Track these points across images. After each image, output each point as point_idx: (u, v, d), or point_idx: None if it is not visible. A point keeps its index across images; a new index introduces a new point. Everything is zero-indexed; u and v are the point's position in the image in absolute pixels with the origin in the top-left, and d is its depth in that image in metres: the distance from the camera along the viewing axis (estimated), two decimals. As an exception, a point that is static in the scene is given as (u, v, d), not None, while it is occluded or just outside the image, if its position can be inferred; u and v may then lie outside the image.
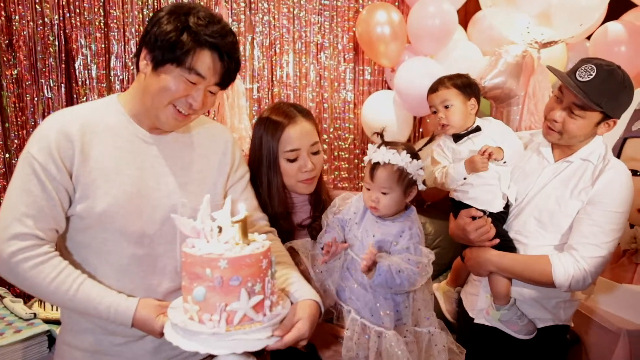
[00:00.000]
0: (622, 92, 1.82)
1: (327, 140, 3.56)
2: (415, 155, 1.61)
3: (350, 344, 1.59)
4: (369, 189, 1.63)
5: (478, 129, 2.05)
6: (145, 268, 1.51)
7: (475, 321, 2.07)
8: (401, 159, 1.58)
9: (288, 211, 1.89)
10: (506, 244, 1.97)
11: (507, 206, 2.02)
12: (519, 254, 1.96)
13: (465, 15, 3.49)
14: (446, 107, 2.05)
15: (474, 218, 1.97)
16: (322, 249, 1.66)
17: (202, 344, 1.22)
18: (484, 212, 1.98)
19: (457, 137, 2.06)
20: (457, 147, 2.05)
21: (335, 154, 3.59)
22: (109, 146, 1.47)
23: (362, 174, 3.65)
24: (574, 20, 2.78)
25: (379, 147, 1.63)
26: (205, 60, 1.41)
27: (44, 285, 1.38)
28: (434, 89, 2.10)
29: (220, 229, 1.30)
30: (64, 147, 1.41)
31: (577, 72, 1.82)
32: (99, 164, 1.45)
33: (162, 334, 1.37)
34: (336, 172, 3.60)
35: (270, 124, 1.83)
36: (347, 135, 3.58)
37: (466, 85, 2.08)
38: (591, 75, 1.78)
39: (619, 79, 1.80)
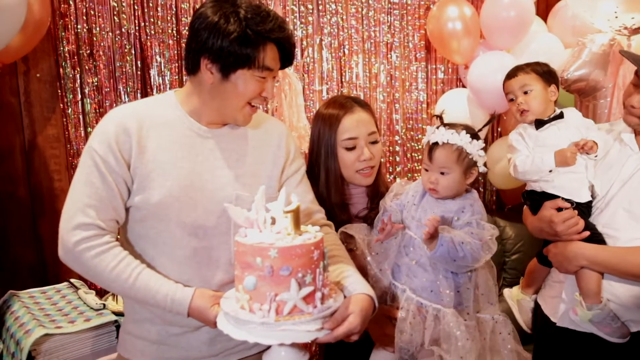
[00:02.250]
0: None
1: (399, 142, 3.48)
2: (475, 136, 1.58)
3: (403, 325, 1.55)
4: (427, 170, 1.61)
5: (561, 115, 1.93)
6: (200, 259, 1.52)
7: (559, 324, 1.90)
8: (460, 138, 1.55)
9: (345, 202, 1.88)
10: (595, 237, 1.82)
11: (592, 197, 1.89)
12: (612, 246, 1.80)
13: (547, 7, 3.31)
14: (525, 92, 1.95)
15: (559, 210, 1.84)
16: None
17: (251, 333, 1.21)
18: (570, 202, 1.85)
19: (539, 124, 1.93)
20: (540, 134, 1.93)
21: (409, 155, 3.50)
22: (165, 140, 1.51)
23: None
24: (668, 1, 2.55)
25: (437, 128, 1.60)
26: (270, 54, 1.46)
27: (105, 274, 1.43)
28: (512, 74, 2.01)
29: (274, 220, 1.29)
30: (122, 140, 1.46)
31: None
32: (155, 157, 1.49)
33: (216, 324, 1.37)
34: (409, 174, 3.50)
35: (327, 117, 1.85)
36: (420, 136, 3.48)
37: (546, 72, 1.99)
38: None
39: None
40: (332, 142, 1.83)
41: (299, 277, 1.21)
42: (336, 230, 1.74)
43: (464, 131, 1.56)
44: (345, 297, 1.38)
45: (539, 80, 1.95)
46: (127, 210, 1.51)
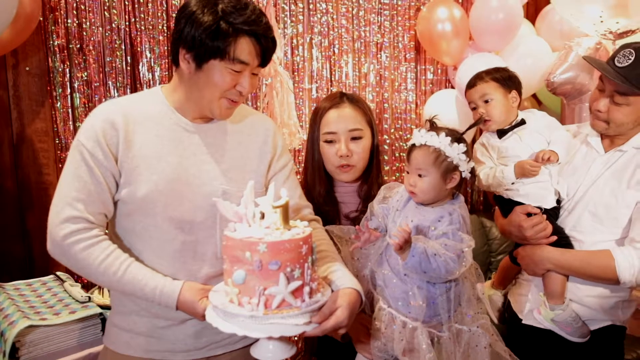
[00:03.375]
0: None
1: (388, 141, 3.50)
2: (457, 140, 1.53)
3: (378, 334, 1.55)
4: (408, 173, 1.59)
5: (523, 122, 1.95)
6: (186, 254, 1.53)
7: (524, 322, 1.96)
8: (439, 140, 1.51)
9: (333, 197, 1.89)
10: (563, 241, 1.87)
11: (558, 202, 1.93)
12: (578, 250, 1.85)
13: (535, 10, 3.35)
14: (486, 101, 1.96)
15: (528, 215, 1.87)
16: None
17: (240, 327, 1.22)
18: (539, 208, 1.89)
19: (501, 133, 1.96)
20: (502, 145, 1.96)
21: (397, 154, 3.52)
22: (151, 134, 1.51)
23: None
24: (653, 6, 2.60)
25: (420, 131, 1.59)
26: (245, 48, 1.44)
27: (93, 267, 1.43)
28: (471, 84, 2.02)
29: (263, 215, 1.30)
30: (109, 134, 1.47)
31: (616, 59, 1.75)
32: (141, 151, 1.49)
33: (204, 317, 1.38)
34: (397, 174, 3.53)
35: (316, 110, 1.89)
36: (408, 135, 3.51)
37: (505, 78, 1.99)
38: (630, 59, 1.71)
39: None
40: (316, 134, 1.86)
41: (287, 272, 1.22)
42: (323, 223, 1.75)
43: (444, 133, 1.52)
44: (332, 291, 1.39)
45: (498, 89, 1.96)
46: (115, 204, 1.52)
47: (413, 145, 1.57)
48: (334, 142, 1.83)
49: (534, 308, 1.93)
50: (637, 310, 2.55)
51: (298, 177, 1.85)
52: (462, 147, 1.52)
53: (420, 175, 1.54)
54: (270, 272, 1.21)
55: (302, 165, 2.14)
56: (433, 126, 1.58)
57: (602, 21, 2.72)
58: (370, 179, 1.90)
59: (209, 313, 1.32)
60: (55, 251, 1.45)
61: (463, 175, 1.55)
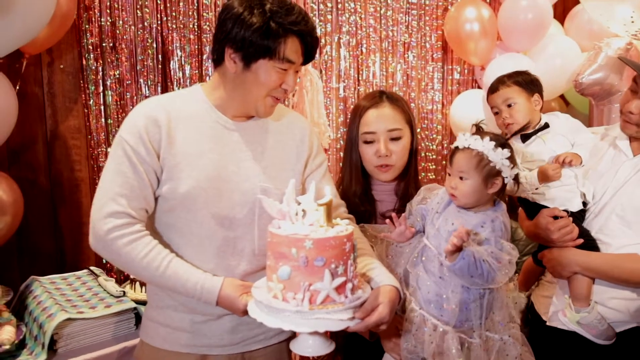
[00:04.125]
0: None
1: (413, 141, 3.50)
2: (502, 145, 1.52)
3: (408, 336, 1.55)
4: (450, 175, 1.59)
5: (546, 125, 1.95)
6: (226, 249, 1.56)
7: (549, 324, 1.95)
8: (482, 144, 1.50)
9: (371, 196, 1.90)
10: (590, 244, 1.86)
11: (584, 204, 1.91)
12: (606, 253, 1.84)
13: (564, 10, 3.33)
14: (509, 105, 1.97)
15: (555, 217, 1.86)
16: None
17: (285, 322, 1.24)
18: (565, 211, 1.88)
19: (525, 137, 1.96)
20: (526, 149, 1.95)
21: (423, 154, 3.53)
22: (193, 132, 1.54)
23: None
24: (685, 7, 2.58)
25: (464, 134, 1.58)
26: (293, 47, 1.48)
27: (136, 262, 1.45)
28: (494, 88, 2.02)
29: (304, 213, 1.32)
30: (152, 131, 1.50)
31: None
32: (183, 148, 1.52)
33: (244, 313, 1.41)
34: (423, 174, 3.53)
35: (356, 108, 1.89)
36: (434, 135, 3.52)
37: (528, 82, 2.00)
38: None
39: None
40: (354, 133, 1.87)
41: (332, 268, 1.24)
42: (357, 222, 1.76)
43: (488, 138, 1.52)
44: (371, 288, 1.41)
45: (521, 92, 1.97)
46: (155, 200, 1.54)
47: (456, 147, 1.57)
48: (373, 142, 1.83)
49: (559, 310, 1.92)
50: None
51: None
52: (506, 152, 1.51)
53: (461, 178, 1.54)
54: (315, 268, 1.24)
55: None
56: (479, 130, 1.58)
57: (632, 21, 2.70)
58: (408, 178, 1.90)
59: (252, 308, 1.34)
60: (97, 245, 1.48)
61: (505, 181, 1.54)
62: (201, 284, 1.46)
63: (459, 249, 1.44)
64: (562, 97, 3.44)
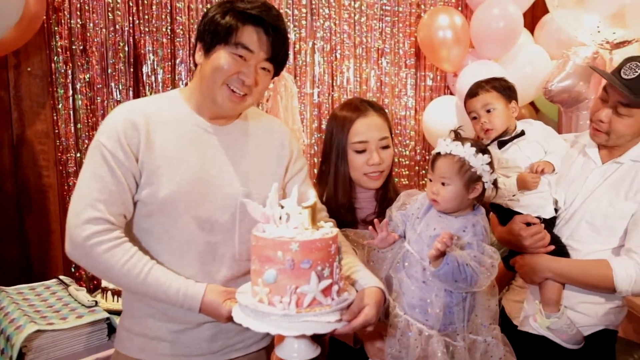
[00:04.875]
0: None
1: (386, 147, 3.52)
2: (482, 150, 1.53)
3: (393, 341, 1.54)
4: (431, 180, 1.59)
5: (522, 133, 1.97)
6: (206, 255, 1.52)
7: (520, 328, 1.97)
8: (464, 150, 1.51)
9: (352, 205, 1.88)
10: (560, 250, 1.89)
11: (555, 210, 1.95)
12: (577, 259, 1.88)
13: (533, 19, 3.41)
14: (488, 111, 1.98)
15: (527, 224, 1.89)
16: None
17: (272, 326, 1.21)
18: (538, 217, 1.91)
19: (501, 144, 1.98)
20: (502, 156, 1.97)
21: (396, 160, 3.55)
22: (172, 135, 1.51)
23: (424, 181, 3.60)
24: (649, 18, 2.67)
25: (445, 140, 1.59)
26: (250, 34, 1.45)
27: (116, 269, 1.41)
28: (473, 93, 2.03)
29: (288, 216, 1.30)
30: (130, 134, 1.46)
31: (622, 70, 1.78)
32: (162, 152, 1.49)
33: (228, 319, 1.37)
34: (397, 179, 3.55)
35: (341, 118, 1.85)
36: (408, 141, 3.54)
37: (505, 88, 2.01)
38: (636, 72, 1.74)
39: None
40: (343, 144, 1.83)
41: (318, 270, 1.22)
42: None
43: (469, 144, 1.53)
44: (356, 290, 1.40)
45: (500, 98, 1.98)
46: (134, 205, 1.50)
47: (438, 153, 1.57)
48: (364, 151, 1.82)
49: (530, 315, 1.95)
50: (630, 314, 2.61)
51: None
52: (486, 158, 1.53)
53: (443, 184, 1.54)
54: (302, 270, 1.21)
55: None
56: (458, 136, 1.58)
57: (599, 31, 2.78)
58: (387, 184, 1.91)
59: (237, 314, 1.31)
60: (75, 253, 1.43)
61: (486, 186, 1.56)
62: (183, 290, 1.42)
63: (442, 254, 1.44)
64: (532, 104, 3.52)
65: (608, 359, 1.99)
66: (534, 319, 1.91)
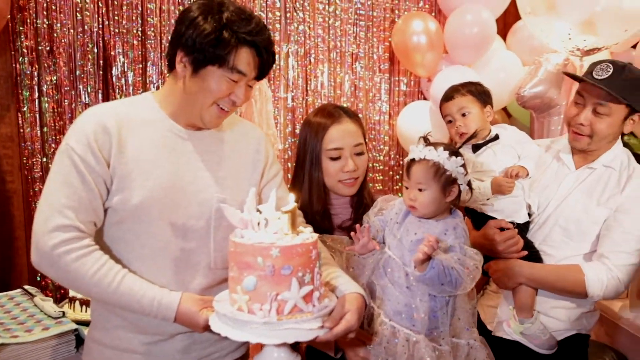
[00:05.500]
0: None
1: (361, 152, 3.51)
2: (454, 153, 1.55)
3: (379, 349, 1.53)
4: (407, 188, 1.59)
5: (497, 137, 1.99)
6: (179, 263, 1.49)
7: (494, 334, 1.99)
8: (437, 154, 1.53)
9: (328, 211, 1.86)
10: (534, 255, 1.92)
11: (529, 215, 1.97)
12: (550, 265, 1.90)
13: (505, 26, 3.45)
14: (463, 114, 1.99)
15: (501, 229, 1.90)
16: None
17: (252, 334, 1.19)
18: (512, 222, 1.92)
19: (475, 148, 1.99)
20: (476, 160, 1.98)
21: (370, 165, 3.53)
22: (145, 140, 1.47)
23: (398, 186, 3.60)
24: (618, 25, 2.72)
25: (417, 146, 1.60)
26: (245, 58, 1.43)
27: (86, 278, 1.36)
28: (448, 97, 2.04)
29: (266, 221, 1.28)
30: (101, 139, 1.41)
31: (594, 72, 1.82)
32: (135, 157, 1.44)
33: (205, 328, 1.34)
34: (370, 184, 3.53)
35: (315, 125, 1.83)
36: (382, 146, 3.54)
37: (481, 93, 2.03)
38: (608, 72, 1.79)
39: (635, 72, 1.82)
40: (317, 150, 1.81)
41: (299, 276, 1.20)
42: None
43: (442, 148, 1.54)
44: (337, 297, 1.38)
45: (475, 102, 2.00)
46: (104, 212, 1.45)
47: (412, 160, 1.57)
48: (339, 158, 1.80)
49: (503, 320, 1.96)
50: (602, 317, 2.65)
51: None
52: (459, 160, 1.54)
53: (420, 190, 1.55)
54: (282, 277, 1.19)
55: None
56: (428, 142, 1.59)
57: (570, 38, 2.82)
58: (361, 189, 1.89)
59: (215, 322, 1.27)
60: (41, 262, 1.37)
61: (461, 189, 1.57)
62: (158, 299, 1.38)
63: (428, 258, 1.44)
64: (504, 109, 3.56)
65: None
66: (507, 324, 1.93)
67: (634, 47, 3.06)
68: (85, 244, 1.37)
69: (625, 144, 2.09)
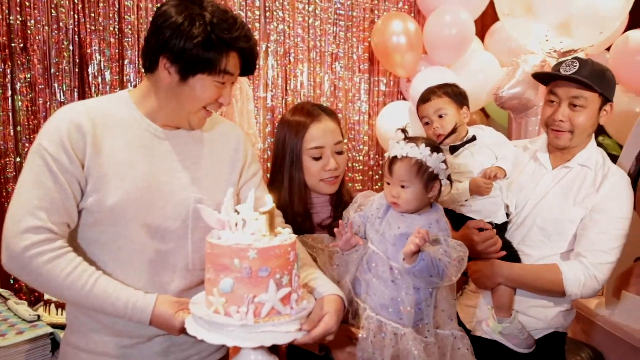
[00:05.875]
0: (606, 72, 1.88)
1: (340, 152, 3.51)
2: (435, 149, 1.55)
3: (365, 343, 1.53)
4: (389, 184, 1.59)
5: (474, 138, 2.00)
6: (157, 265, 1.46)
7: (473, 333, 1.99)
8: (419, 151, 1.53)
9: (308, 211, 1.85)
10: (512, 255, 1.93)
11: (507, 215, 1.98)
12: (528, 264, 1.92)
13: (482, 27, 3.47)
14: (440, 116, 1.99)
15: (480, 229, 1.91)
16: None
17: (229, 337, 1.17)
18: (490, 223, 1.93)
19: (453, 149, 2.00)
20: (454, 160, 1.99)
21: (350, 165, 3.54)
22: (121, 140, 1.44)
23: (377, 186, 3.61)
24: (594, 28, 2.76)
25: (398, 142, 1.59)
26: (233, 61, 1.43)
27: (59, 281, 1.33)
28: (425, 98, 2.04)
29: (244, 222, 1.26)
30: (75, 138, 1.38)
31: (561, 69, 1.86)
32: (110, 157, 1.41)
33: (181, 331, 1.32)
34: (350, 184, 3.54)
35: (294, 124, 1.81)
36: (361, 146, 3.54)
37: (457, 94, 2.04)
38: (575, 66, 1.83)
39: (597, 64, 1.88)
40: (297, 149, 1.79)
41: (276, 278, 1.18)
42: None
43: (424, 144, 1.53)
44: (315, 299, 1.37)
45: (451, 103, 2.01)
46: (78, 213, 1.42)
47: (395, 157, 1.57)
48: (321, 157, 1.79)
49: (482, 320, 1.98)
50: (579, 315, 2.69)
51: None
52: (441, 156, 1.55)
53: (403, 187, 1.55)
54: (260, 279, 1.17)
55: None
56: (407, 135, 1.59)
57: (547, 40, 2.85)
58: (340, 187, 1.89)
59: (191, 325, 1.25)
60: (12, 265, 1.33)
61: (443, 184, 1.58)
62: (133, 302, 1.35)
63: (417, 251, 1.45)
64: (482, 110, 3.58)
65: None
66: (486, 323, 1.94)
67: (608, 49, 3.11)
68: (58, 245, 1.34)
69: (600, 144, 2.12)
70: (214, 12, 1.38)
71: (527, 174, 2.01)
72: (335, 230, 1.61)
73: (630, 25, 3.05)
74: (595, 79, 1.82)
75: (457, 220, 1.98)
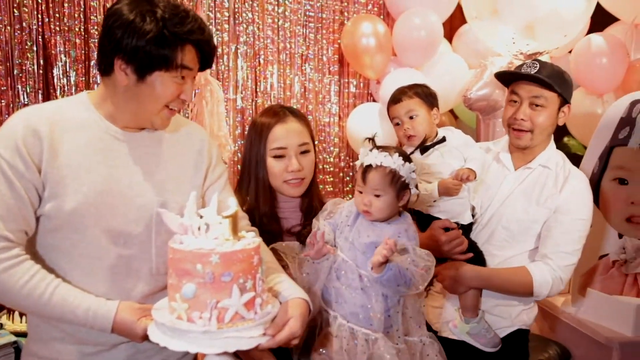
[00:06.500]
0: (564, 73, 1.95)
1: (311, 154, 3.50)
2: (407, 158, 1.58)
3: (340, 354, 1.53)
4: (361, 192, 1.60)
5: (444, 139, 2.02)
6: (119, 270, 1.44)
7: (440, 334, 2.02)
8: (393, 161, 1.55)
9: (275, 213, 1.85)
10: (478, 256, 1.96)
11: (473, 216, 2.02)
12: (497, 268, 1.96)
13: (451, 29, 3.51)
14: (411, 117, 2.01)
15: (446, 229, 1.94)
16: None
17: (192, 344, 1.16)
18: (456, 224, 1.96)
19: (423, 150, 2.02)
20: (424, 162, 2.00)
21: (320, 167, 3.53)
22: (79, 143, 1.41)
23: (348, 188, 3.62)
24: (558, 31, 2.81)
25: (370, 150, 1.60)
26: (190, 54, 1.41)
27: (15, 290, 1.30)
28: (396, 99, 2.05)
29: (207, 226, 1.25)
30: (31, 143, 1.35)
31: (523, 70, 1.93)
32: (68, 161, 1.38)
33: (144, 338, 1.30)
34: (321, 186, 3.54)
35: (259, 125, 1.82)
36: (332, 148, 3.54)
37: (427, 95, 2.06)
38: (536, 67, 1.89)
39: (556, 66, 1.95)
40: (261, 150, 1.80)
41: (240, 283, 1.18)
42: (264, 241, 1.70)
43: (397, 154, 1.56)
44: (280, 302, 1.36)
45: (422, 104, 2.02)
46: (37, 219, 1.39)
47: (369, 166, 1.57)
48: (283, 158, 1.79)
49: (449, 321, 2.00)
50: (546, 312, 2.74)
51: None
52: (412, 166, 1.58)
53: (377, 196, 1.56)
54: (222, 284, 1.17)
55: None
56: (376, 145, 1.61)
57: (514, 42, 2.90)
58: (311, 193, 1.88)
59: (154, 332, 1.23)
60: None
61: (412, 192, 1.60)
62: (94, 309, 1.32)
63: (385, 261, 1.46)
64: (451, 111, 3.62)
65: (522, 357, 2.08)
66: (453, 324, 1.97)
67: (571, 52, 3.17)
68: (14, 254, 1.31)
69: (565, 145, 2.17)
70: (165, 7, 1.37)
71: (491, 175, 2.04)
72: (307, 240, 1.61)
73: (592, 29, 3.12)
74: (555, 79, 1.88)
75: (424, 220, 2.00)
